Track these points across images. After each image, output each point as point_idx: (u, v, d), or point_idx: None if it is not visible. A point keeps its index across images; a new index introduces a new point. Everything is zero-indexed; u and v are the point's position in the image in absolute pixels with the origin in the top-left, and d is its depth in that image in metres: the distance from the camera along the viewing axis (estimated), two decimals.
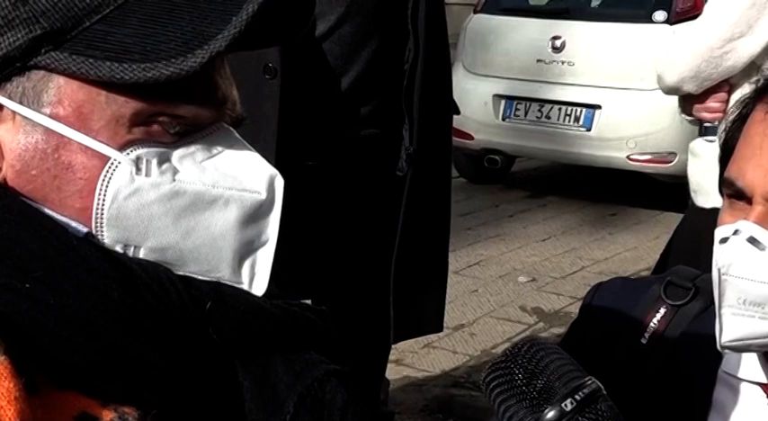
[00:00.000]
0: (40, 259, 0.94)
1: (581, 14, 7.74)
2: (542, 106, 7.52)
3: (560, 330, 5.02)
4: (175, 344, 0.98)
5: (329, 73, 2.54)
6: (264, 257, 1.05)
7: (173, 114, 1.00)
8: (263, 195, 1.03)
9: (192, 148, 1.02)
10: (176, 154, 1.01)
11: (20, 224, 0.95)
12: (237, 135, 1.06)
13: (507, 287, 5.77)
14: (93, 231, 0.99)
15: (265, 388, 1.02)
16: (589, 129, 7.33)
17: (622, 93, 7.23)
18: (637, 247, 6.60)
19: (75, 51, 0.96)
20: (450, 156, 2.91)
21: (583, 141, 7.36)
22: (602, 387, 1.18)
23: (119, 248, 0.99)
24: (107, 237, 0.99)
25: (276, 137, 2.44)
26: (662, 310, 1.61)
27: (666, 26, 7.12)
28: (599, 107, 7.31)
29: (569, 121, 7.43)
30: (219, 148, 1.04)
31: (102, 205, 0.98)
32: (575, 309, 5.64)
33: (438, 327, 2.93)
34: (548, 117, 7.50)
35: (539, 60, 7.55)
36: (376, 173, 2.69)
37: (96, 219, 0.99)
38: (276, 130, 2.44)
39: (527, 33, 7.64)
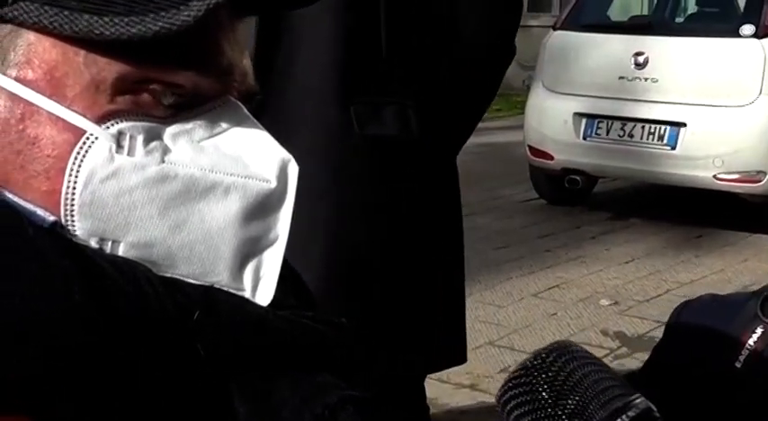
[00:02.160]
0: None
1: (664, 29, 7.65)
2: (625, 124, 7.38)
3: (644, 356, 4.77)
4: (152, 362, 0.80)
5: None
6: (272, 259, 0.87)
7: (166, 81, 0.83)
8: (273, 184, 0.86)
9: (190, 125, 0.85)
10: (169, 131, 0.84)
11: None
12: (247, 111, 0.89)
13: (588, 310, 5.59)
14: (63, 221, 0.82)
15: (266, 416, 0.84)
16: (674, 148, 7.17)
17: (708, 110, 7.06)
18: (724, 270, 6.40)
19: (49, 1, 0.81)
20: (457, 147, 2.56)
21: (667, 160, 7.20)
22: (653, 408, 0.94)
23: (93, 243, 0.82)
24: (79, 229, 0.82)
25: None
26: (759, 330, 1.43)
27: (754, 40, 6.99)
28: (684, 125, 7.14)
29: (653, 140, 7.28)
30: (223, 126, 0.87)
31: (74, 189, 0.81)
32: (659, 334, 5.45)
33: (462, 358, 2.61)
34: (630, 135, 7.36)
35: (621, 77, 7.42)
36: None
37: (66, 205, 0.82)
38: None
39: (609, 50, 7.53)
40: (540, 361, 0.97)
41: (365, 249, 2.26)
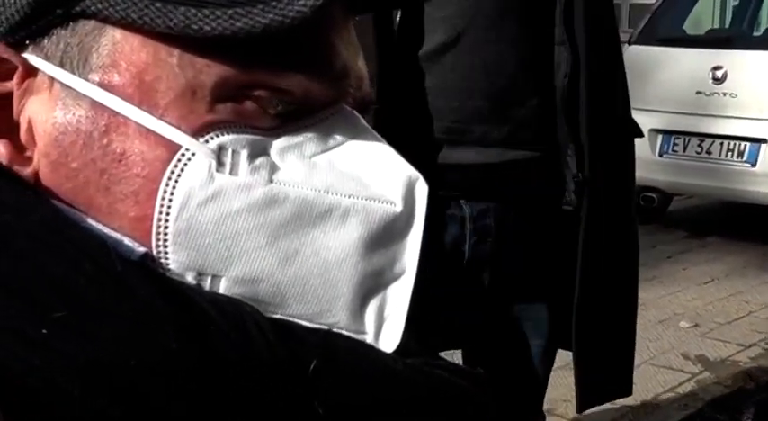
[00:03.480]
0: (65, 292, 0.64)
1: (743, 43, 7.54)
2: (703, 141, 7.22)
3: (728, 381, 4.71)
4: (261, 419, 0.67)
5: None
6: (398, 296, 0.74)
7: (274, 87, 0.70)
8: (399, 206, 0.73)
9: (300, 138, 0.72)
10: (276, 144, 0.72)
11: (42, 240, 0.65)
12: (364, 122, 0.76)
13: (668, 333, 5.42)
14: (154, 252, 0.69)
15: None
16: (754, 165, 7.01)
17: None
18: None
19: None
20: (631, 188, 2.47)
21: (747, 178, 7.04)
22: None
23: (190, 278, 0.69)
24: (173, 262, 0.69)
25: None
26: None
27: None
28: (764, 141, 6.98)
29: (732, 157, 7.12)
30: (338, 139, 0.74)
31: (167, 215, 0.68)
32: (743, 358, 5.41)
33: (627, 390, 2.50)
34: (708, 152, 7.20)
35: (698, 92, 7.26)
36: (536, 206, 2.30)
37: (158, 234, 0.69)
38: None
39: (685, 64, 7.38)
40: None
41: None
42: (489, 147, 2.19)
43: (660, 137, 7.36)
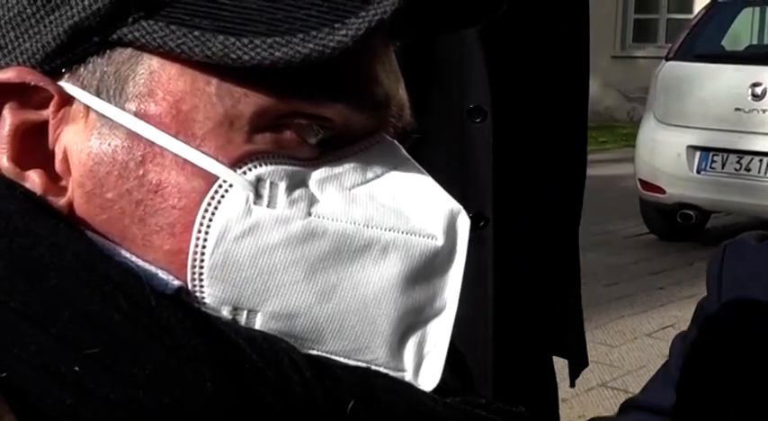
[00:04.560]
0: (99, 329, 0.62)
1: None
2: (741, 158, 7.18)
3: None
4: None
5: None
6: (438, 333, 0.71)
7: (313, 115, 0.69)
8: (440, 241, 0.70)
9: (340, 169, 0.70)
10: (315, 175, 0.70)
11: (75, 274, 0.64)
12: (405, 152, 0.74)
13: None
14: (189, 286, 0.67)
15: None
16: None
17: None
18: None
19: (176, 20, 0.66)
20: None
21: None
22: None
23: (225, 312, 0.67)
24: (209, 296, 0.67)
25: (492, 191, 2.03)
26: None
27: None
28: None
29: None
30: (378, 171, 0.72)
31: (203, 248, 0.67)
32: None
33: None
34: (747, 169, 7.16)
35: (737, 109, 7.23)
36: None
37: (194, 268, 0.67)
38: (492, 182, 2.04)
39: (724, 80, 7.35)
40: None
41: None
42: None
43: (698, 154, 7.32)
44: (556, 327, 2.32)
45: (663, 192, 7.40)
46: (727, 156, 7.22)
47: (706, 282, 1.36)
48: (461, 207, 0.72)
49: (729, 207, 7.52)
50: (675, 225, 7.67)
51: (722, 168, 7.25)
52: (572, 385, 2.44)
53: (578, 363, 2.39)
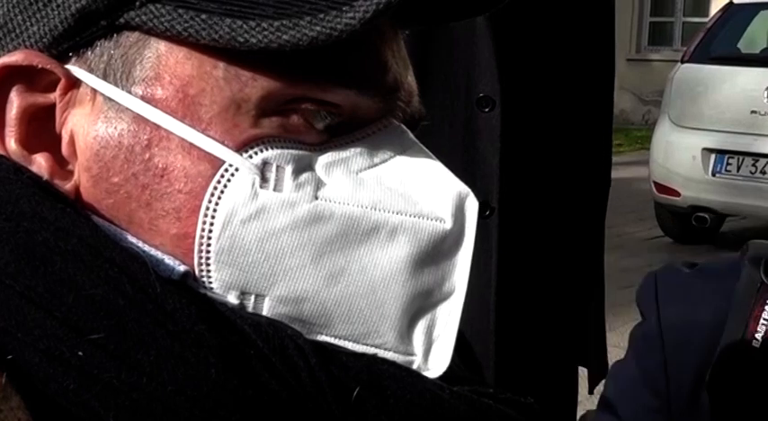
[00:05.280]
0: (102, 313, 0.62)
1: None
2: (757, 160, 7.16)
3: None
4: None
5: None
6: (447, 317, 0.70)
7: (321, 100, 0.68)
8: (449, 224, 0.70)
9: (347, 153, 0.70)
10: (322, 160, 0.69)
11: (80, 259, 0.63)
12: (413, 137, 0.74)
13: None
14: (196, 270, 0.67)
15: None
16: None
17: None
18: None
19: (183, 3, 0.66)
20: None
21: None
22: None
23: (232, 298, 0.67)
24: (215, 281, 0.67)
25: (498, 180, 2.01)
26: None
27: None
28: None
29: None
30: (386, 155, 0.71)
31: (210, 232, 0.66)
32: None
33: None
34: (763, 172, 7.14)
35: (753, 111, 7.21)
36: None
37: (200, 252, 0.66)
38: (498, 172, 2.02)
39: (740, 83, 7.34)
40: None
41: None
42: None
43: (713, 156, 7.31)
44: (577, 336, 2.31)
45: (678, 194, 7.38)
46: (743, 159, 7.20)
47: (638, 307, 1.35)
48: (469, 190, 0.71)
49: (744, 210, 7.50)
50: (690, 228, 7.64)
51: (737, 171, 7.23)
52: (590, 392, 2.42)
53: (598, 375, 2.38)
